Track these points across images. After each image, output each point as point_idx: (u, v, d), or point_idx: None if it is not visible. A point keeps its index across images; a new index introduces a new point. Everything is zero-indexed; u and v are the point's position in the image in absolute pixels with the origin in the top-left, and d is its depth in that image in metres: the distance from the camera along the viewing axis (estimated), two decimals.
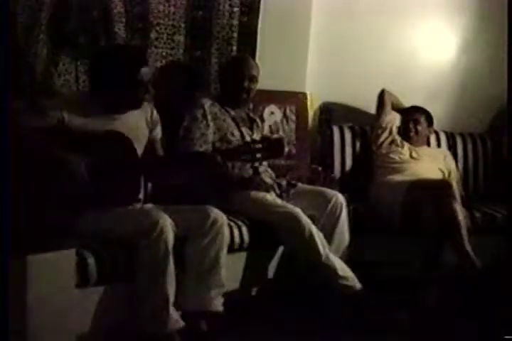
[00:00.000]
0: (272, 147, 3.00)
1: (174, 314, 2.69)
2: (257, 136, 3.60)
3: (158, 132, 3.17)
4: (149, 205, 3.00)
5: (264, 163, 3.52)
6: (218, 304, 2.85)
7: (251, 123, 3.63)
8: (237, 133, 3.48)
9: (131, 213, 2.82)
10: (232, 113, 3.53)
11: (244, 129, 3.53)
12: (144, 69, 2.88)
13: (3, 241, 2.18)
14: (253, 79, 3.51)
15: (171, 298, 2.69)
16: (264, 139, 3.20)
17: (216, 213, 2.87)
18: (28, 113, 2.76)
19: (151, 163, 3.05)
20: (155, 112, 3.15)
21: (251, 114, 3.71)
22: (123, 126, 2.92)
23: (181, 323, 2.70)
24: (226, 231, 2.89)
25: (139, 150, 2.98)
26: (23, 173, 2.55)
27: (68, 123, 2.78)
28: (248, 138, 3.51)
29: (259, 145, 2.92)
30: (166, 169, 2.99)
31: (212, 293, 2.82)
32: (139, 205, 2.94)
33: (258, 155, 2.92)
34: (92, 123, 2.83)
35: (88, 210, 2.73)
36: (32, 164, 2.61)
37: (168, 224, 2.68)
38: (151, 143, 3.11)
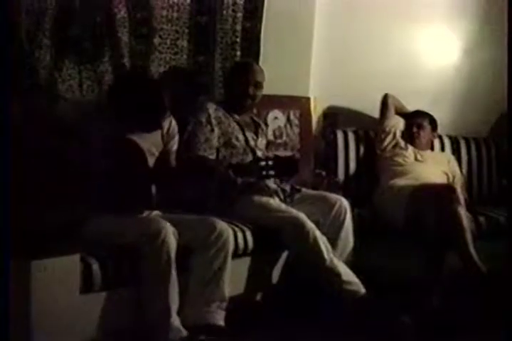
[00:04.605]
0: (284, 165, 2.97)
1: (176, 322, 2.68)
2: (261, 142, 3.62)
3: (173, 144, 3.20)
4: (155, 212, 3.00)
5: None
6: (219, 318, 2.81)
7: (255, 128, 3.64)
8: (241, 137, 3.49)
9: (134, 221, 2.82)
10: (237, 117, 3.53)
11: (248, 134, 3.53)
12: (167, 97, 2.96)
13: (6, 245, 2.18)
14: (258, 85, 3.50)
15: (174, 307, 2.68)
16: (276, 157, 3.19)
17: (222, 226, 2.86)
18: (41, 115, 2.78)
19: (161, 173, 3.05)
20: (173, 124, 3.19)
21: (255, 118, 3.72)
22: (138, 137, 2.95)
23: (183, 333, 2.68)
24: (231, 244, 2.88)
25: (151, 161, 3.00)
26: (28, 178, 2.56)
27: (83, 128, 2.81)
28: (252, 143, 3.52)
29: (271, 163, 2.89)
30: (176, 180, 2.99)
31: (213, 306, 2.80)
32: (144, 213, 2.94)
33: (271, 172, 2.90)
34: (108, 132, 2.86)
35: (93, 215, 2.74)
36: (38, 165, 2.62)
37: (170, 234, 2.68)
38: (164, 154, 3.14)
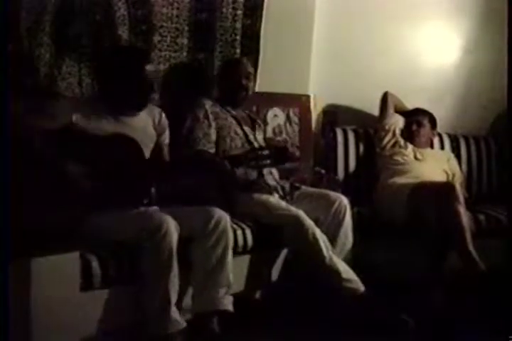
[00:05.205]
0: (277, 154, 3.02)
1: (175, 315, 2.69)
2: (259, 136, 3.64)
3: (165, 137, 3.23)
4: (154, 207, 3.00)
5: None
6: (227, 303, 2.85)
7: (252, 123, 3.66)
8: (240, 131, 3.51)
9: (135, 216, 2.82)
10: (234, 112, 3.56)
11: (246, 128, 3.56)
12: (149, 67, 2.98)
13: (5, 243, 2.18)
14: (249, 76, 3.56)
15: (174, 299, 2.70)
16: (270, 146, 3.25)
17: (219, 214, 2.88)
18: (37, 114, 2.78)
19: (160, 167, 3.05)
20: (163, 116, 3.22)
21: (251, 115, 3.74)
22: (130, 129, 2.96)
23: (183, 324, 2.70)
24: (230, 231, 2.90)
25: (146, 153, 3.00)
26: (27, 175, 2.56)
27: (76, 125, 2.80)
28: (251, 137, 3.54)
29: (267, 152, 2.94)
30: (174, 174, 3.00)
31: (221, 292, 2.83)
32: (143, 208, 2.95)
33: (265, 162, 2.94)
34: (100, 127, 2.87)
35: (93, 213, 2.74)
36: (37, 165, 2.62)
37: (172, 227, 2.69)
38: (158, 147, 3.15)
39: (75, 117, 2.83)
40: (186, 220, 2.78)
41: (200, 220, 2.84)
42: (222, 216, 2.88)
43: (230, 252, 2.88)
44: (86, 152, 2.73)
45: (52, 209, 2.63)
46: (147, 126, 3.12)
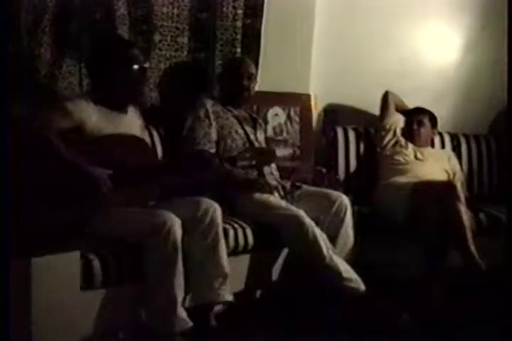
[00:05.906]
0: (264, 156, 3.04)
1: (182, 314, 2.69)
2: (260, 135, 3.64)
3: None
4: (151, 203, 3.01)
5: (272, 165, 3.54)
6: (225, 293, 2.85)
7: (253, 123, 3.66)
8: (241, 131, 3.51)
9: (138, 214, 2.83)
10: (234, 112, 3.56)
11: (247, 128, 3.56)
12: (135, 51, 2.97)
13: (6, 243, 2.18)
14: (252, 77, 3.56)
15: (180, 298, 2.70)
16: (257, 148, 3.35)
17: (207, 203, 2.88)
18: (47, 114, 2.78)
19: (154, 165, 3.06)
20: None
21: (253, 114, 3.74)
22: (127, 125, 2.98)
23: (189, 323, 2.70)
24: (220, 219, 2.88)
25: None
26: (30, 177, 2.56)
27: (87, 125, 2.82)
28: (252, 137, 3.54)
29: (253, 153, 2.96)
30: (175, 174, 3.01)
31: (216, 283, 2.82)
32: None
33: (253, 163, 2.96)
34: (100, 122, 2.87)
35: (97, 213, 2.74)
36: (42, 165, 2.62)
37: (176, 224, 2.70)
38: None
39: (85, 116, 2.83)
40: (177, 212, 2.78)
41: (188, 211, 2.83)
42: (210, 205, 2.87)
43: (222, 241, 2.87)
44: (98, 152, 2.73)
45: (57, 209, 2.63)
46: (140, 123, 3.15)
